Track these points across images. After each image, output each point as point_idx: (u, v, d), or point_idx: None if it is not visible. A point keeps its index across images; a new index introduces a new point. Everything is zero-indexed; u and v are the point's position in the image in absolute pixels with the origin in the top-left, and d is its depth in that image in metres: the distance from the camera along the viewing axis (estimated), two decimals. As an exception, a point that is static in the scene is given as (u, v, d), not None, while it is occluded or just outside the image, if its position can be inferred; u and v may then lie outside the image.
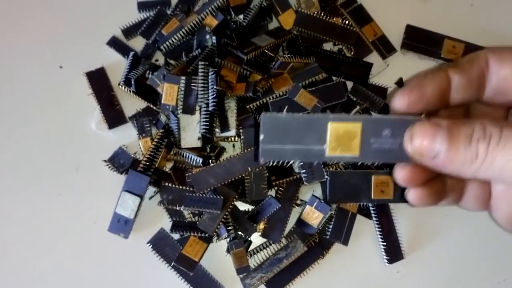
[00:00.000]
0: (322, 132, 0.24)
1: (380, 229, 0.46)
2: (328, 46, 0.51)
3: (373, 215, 0.47)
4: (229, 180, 0.44)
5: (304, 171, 0.44)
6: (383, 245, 0.46)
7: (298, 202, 0.47)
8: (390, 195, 0.44)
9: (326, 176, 0.44)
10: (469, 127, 0.22)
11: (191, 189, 0.45)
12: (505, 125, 0.22)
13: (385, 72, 0.51)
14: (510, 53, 0.26)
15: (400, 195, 0.43)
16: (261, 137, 0.24)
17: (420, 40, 0.52)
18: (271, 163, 0.24)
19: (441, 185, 0.28)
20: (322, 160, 0.27)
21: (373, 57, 0.51)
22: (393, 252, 0.47)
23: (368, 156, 0.25)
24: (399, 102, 0.26)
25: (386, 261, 0.47)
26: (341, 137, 0.24)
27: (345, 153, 0.25)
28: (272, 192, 0.47)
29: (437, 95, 0.26)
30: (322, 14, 0.49)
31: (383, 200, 0.44)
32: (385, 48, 0.52)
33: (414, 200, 0.27)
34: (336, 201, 0.45)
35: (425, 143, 0.23)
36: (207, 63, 0.45)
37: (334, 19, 0.49)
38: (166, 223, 0.47)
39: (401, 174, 0.26)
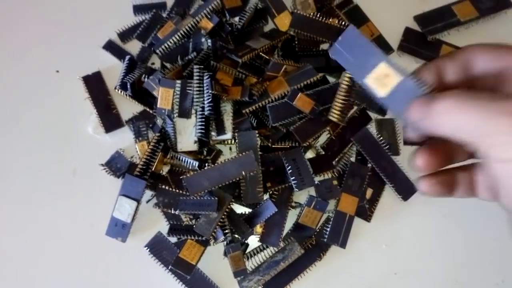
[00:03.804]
0: (374, 64, 0.31)
1: (383, 173, 0.47)
2: (325, 46, 0.51)
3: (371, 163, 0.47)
4: (223, 184, 0.43)
5: (293, 178, 0.44)
6: (392, 185, 0.47)
7: (293, 204, 0.47)
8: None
9: (316, 182, 0.45)
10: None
11: (186, 192, 0.45)
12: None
13: (382, 72, 0.51)
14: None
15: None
16: (339, 38, 0.32)
17: (417, 44, 0.51)
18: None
19: (450, 177, 0.32)
20: (359, 80, 0.32)
21: (370, 58, 0.51)
22: (405, 188, 0.47)
23: (390, 102, 0.30)
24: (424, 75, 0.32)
25: (401, 199, 0.47)
26: (382, 77, 0.30)
27: (377, 88, 0.31)
28: (267, 196, 0.47)
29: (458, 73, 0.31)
30: (318, 15, 0.48)
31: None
32: (382, 49, 0.51)
33: (425, 188, 0.32)
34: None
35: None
36: (202, 66, 0.45)
37: (330, 20, 0.49)
38: (163, 226, 0.47)
39: (421, 160, 0.32)
